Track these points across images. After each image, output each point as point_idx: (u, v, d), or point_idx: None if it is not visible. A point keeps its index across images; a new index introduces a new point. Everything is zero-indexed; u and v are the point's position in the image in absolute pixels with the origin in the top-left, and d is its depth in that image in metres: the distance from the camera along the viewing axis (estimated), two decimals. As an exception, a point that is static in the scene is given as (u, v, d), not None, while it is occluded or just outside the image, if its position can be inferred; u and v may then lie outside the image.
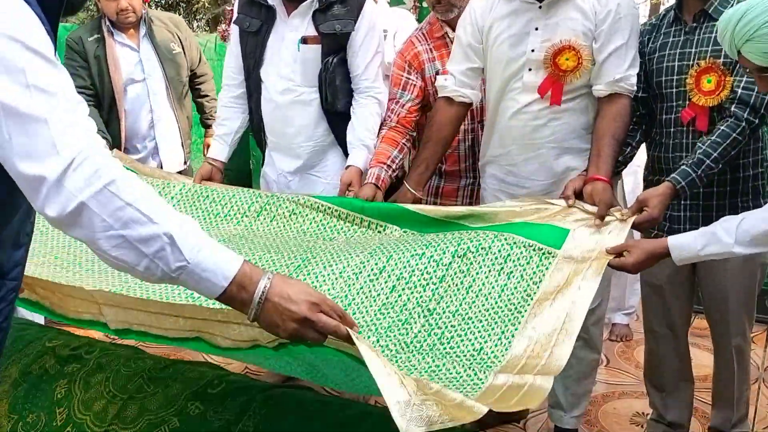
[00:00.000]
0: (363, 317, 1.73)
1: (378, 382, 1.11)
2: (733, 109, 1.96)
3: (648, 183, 2.29)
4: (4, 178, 1.02)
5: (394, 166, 2.43)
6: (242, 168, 4.46)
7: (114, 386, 1.85)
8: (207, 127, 3.58)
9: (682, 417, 2.41)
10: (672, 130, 2.15)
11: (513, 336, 1.68)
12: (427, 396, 1.16)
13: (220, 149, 2.68)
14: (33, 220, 1.21)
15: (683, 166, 1.96)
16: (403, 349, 1.65)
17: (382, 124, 2.55)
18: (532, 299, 1.75)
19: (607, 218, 1.93)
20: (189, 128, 3.54)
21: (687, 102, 2.08)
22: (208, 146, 3.02)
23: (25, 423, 1.87)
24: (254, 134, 2.81)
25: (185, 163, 3.47)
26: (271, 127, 2.66)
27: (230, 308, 1.17)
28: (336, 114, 2.55)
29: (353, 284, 1.81)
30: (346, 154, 2.57)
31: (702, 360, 3.15)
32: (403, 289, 1.79)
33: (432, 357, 1.64)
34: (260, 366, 2.46)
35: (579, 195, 2.04)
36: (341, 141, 2.59)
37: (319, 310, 1.14)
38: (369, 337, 1.64)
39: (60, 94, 1.01)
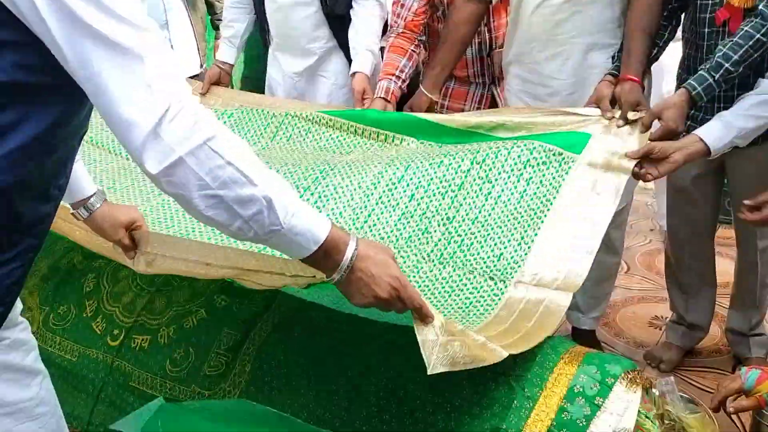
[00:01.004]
0: (383, 228, 1.74)
1: (414, 323, 1.16)
2: (761, 7, 1.85)
3: (681, 82, 2.21)
4: (43, 112, 0.96)
5: (403, 76, 2.37)
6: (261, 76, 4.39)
7: (141, 280, 1.89)
8: (216, 28, 3.52)
9: (703, 319, 2.43)
10: (706, 30, 2.05)
11: (533, 241, 1.68)
12: (453, 336, 1.18)
13: (228, 51, 2.65)
14: (68, 174, 1.10)
15: (700, 71, 1.86)
16: (424, 259, 1.66)
17: (388, 31, 2.48)
18: (552, 204, 1.73)
19: (632, 116, 1.87)
20: (203, 30, 3.48)
21: (723, 1, 1.98)
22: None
23: (56, 314, 1.93)
24: (259, 32, 2.77)
25: (201, 66, 3.43)
26: (275, 28, 2.62)
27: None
28: (336, 18, 2.50)
29: (372, 194, 1.80)
30: (348, 59, 2.53)
31: (723, 267, 3.14)
32: (422, 198, 1.79)
33: (453, 267, 1.65)
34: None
35: (612, 101, 1.95)
36: (343, 46, 2.55)
37: (398, 295, 1.13)
38: (390, 246, 1.66)
39: (151, 30, 0.93)
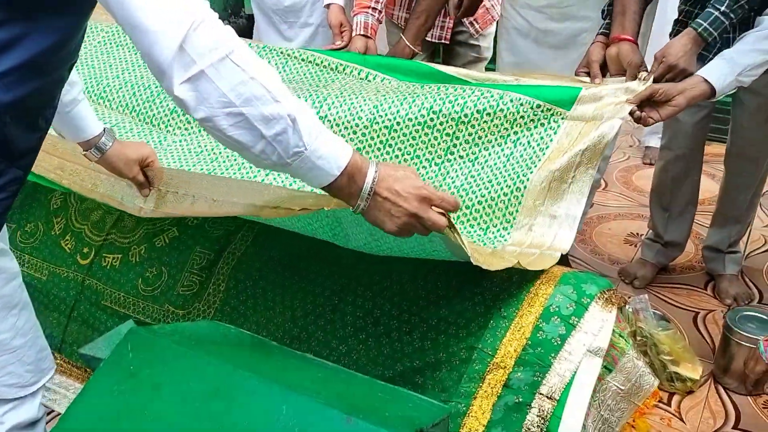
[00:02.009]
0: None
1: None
2: None
3: (681, 14, 2.11)
4: (44, 32, 0.92)
5: (379, 7, 2.24)
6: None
7: (110, 197, 1.82)
8: None
9: (680, 237, 2.44)
10: None
11: (514, 218, 1.69)
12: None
13: None
14: (55, 106, 1.07)
15: (707, 8, 1.75)
16: None
17: None
18: (536, 166, 1.70)
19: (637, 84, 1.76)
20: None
21: None
22: None
23: (23, 232, 1.88)
24: None
25: None
26: None
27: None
28: None
29: (351, 124, 1.76)
30: None
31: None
32: (402, 130, 1.75)
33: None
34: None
35: (602, 66, 1.84)
36: None
37: (430, 204, 1.08)
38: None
39: None
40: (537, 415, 1.37)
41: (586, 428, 1.38)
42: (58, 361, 1.76)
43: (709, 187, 3.22)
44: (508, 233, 1.64)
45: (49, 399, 1.71)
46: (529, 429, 1.36)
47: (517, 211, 1.66)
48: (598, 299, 1.49)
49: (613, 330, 1.47)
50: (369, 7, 2.21)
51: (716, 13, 1.72)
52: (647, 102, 1.69)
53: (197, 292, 1.64)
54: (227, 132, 0.93)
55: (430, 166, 1.73)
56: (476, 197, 1.68)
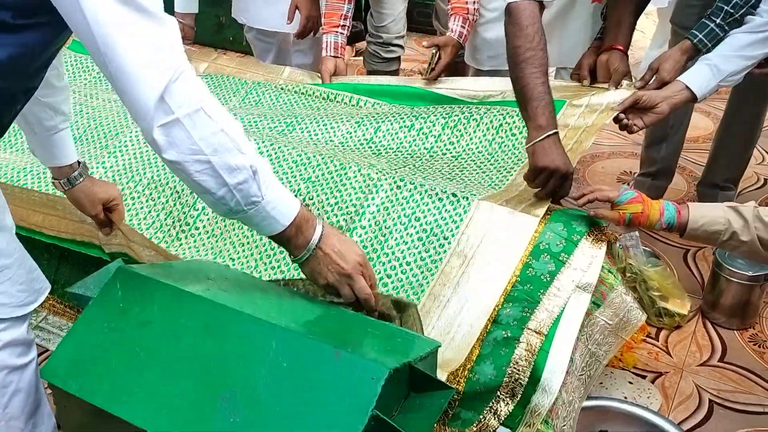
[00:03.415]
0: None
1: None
2: None
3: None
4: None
5: (348, 23, 2.28)
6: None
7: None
8: None
9: (671, 161, 2.44)
10: None
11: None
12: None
13: (187, 1, 2.42)
14: (11, 118, 1.10)
15: (702, 19, 1.80)
16: (399, 188, 1.63)
17: None
18: (522, 162, 1.75)
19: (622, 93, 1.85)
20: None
21: None
22: None
23: (10, 173, 1.86)
24: None
25: None
26: None
27: None
28: None
29: (341, 149, 1.85)
30: None
31: (699, 122, 3.14)
32: (391, 159, 1.82)
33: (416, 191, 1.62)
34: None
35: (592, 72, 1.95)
36: None
37: (361, 272, 1.16)
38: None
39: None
40: (525, 350, 1.39)
41: (573, 362, 1.40)
42: (51, 302, 1.77)
43: (705, 124, 3.20)
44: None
45: (43, 338, 1.72)
46: (517, 363, 1.38)
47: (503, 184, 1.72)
48: (588, 236, 1.50)
49: (603, 266, 1.48)
50: (338, 26, 2.26)
51: (712, 25, 1.79)
52: (631, 109, 1.74)
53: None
54: (193, 176, 0.99)
55: (413, 161, 1.81)
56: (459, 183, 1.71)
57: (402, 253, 1.53)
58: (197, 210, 1.66)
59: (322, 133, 1.90)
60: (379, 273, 1.50)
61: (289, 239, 1.11)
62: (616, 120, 1.76)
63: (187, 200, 1.68)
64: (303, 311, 1.16)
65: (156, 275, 1.16)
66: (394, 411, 1.00)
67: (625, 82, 1.88)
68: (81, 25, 0.91)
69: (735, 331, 1.95)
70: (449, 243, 1.51)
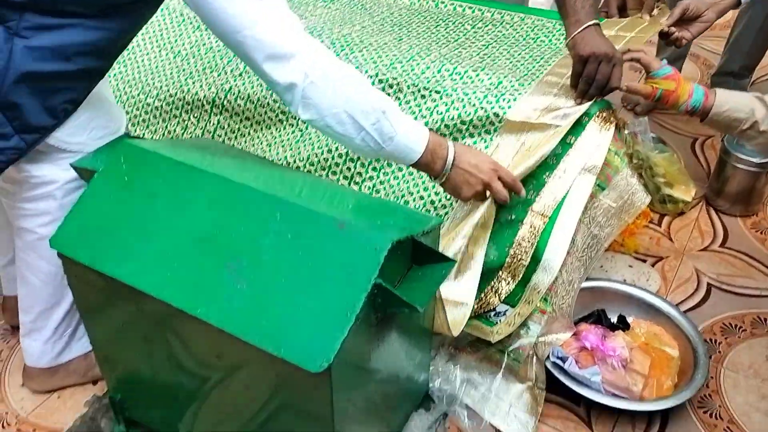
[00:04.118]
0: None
1: None
2: None
3: None
4: (74, 30, 1.03)
5: None
6: None
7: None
8: None
9: (680, 54, 2.38)
10: None
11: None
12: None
13: None
14: (76, 99, 1.13)
15: None
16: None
17: None
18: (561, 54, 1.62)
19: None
20: None
21: None
22: None
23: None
24: None
25: None
26: None
27: None
28: None
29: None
30: None
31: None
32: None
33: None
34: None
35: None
36: None
37: (498, 175, 1.26)
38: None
39: None
40: (528, 231, 1.40)
41: (574, 243, 1.42)
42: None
43: (723, 11, 3.08)
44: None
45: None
46: (519, 244, 1.39)
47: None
48: (597, 118, 1.47)
49: (609, 149, 1.46)
50: None
51: None
52: (678, 21, 1.64)
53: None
54: (334, 128, 1.10)
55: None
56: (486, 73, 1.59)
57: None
58: (213, 125, 1.63)
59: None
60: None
61: (427, 164, 1.20)
62: (664, 35, 1.66)
63: (200, 113, 1.64)
64: (309, 186, 1.17)
65: (159, 150, 1.15)
66: (396, 282, 1.02)
67: (656, 10, 1.77)
68: (213, 14, 1.02)
69: (738, 218, 1.96)
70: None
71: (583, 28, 1.38)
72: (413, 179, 1.49)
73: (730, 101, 1.39)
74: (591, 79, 1.39)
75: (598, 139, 1.45)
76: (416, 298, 0.96)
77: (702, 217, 1.97)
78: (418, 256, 1.05)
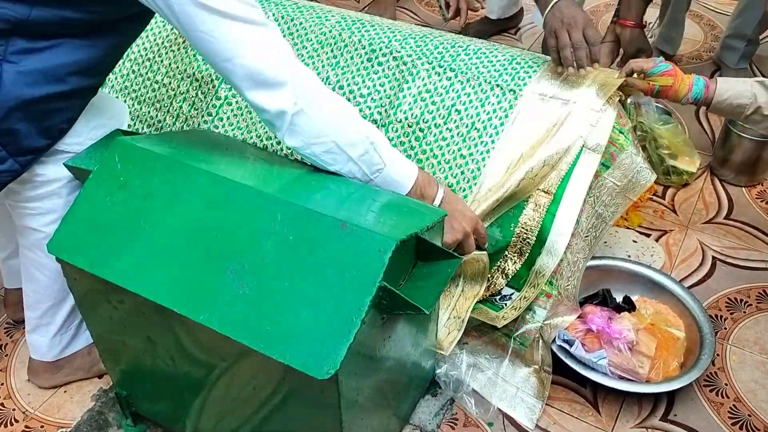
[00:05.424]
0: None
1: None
2: None
3: None
4: (67, 49, 1.03)
5: None
6: None
7: None
8: None
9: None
10: None
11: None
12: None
13: None
14: (72, 117, 1.12)
15: None
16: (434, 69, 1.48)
17: None
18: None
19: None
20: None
21: None
22: None
23: None
24: None
25: None
26: None
27: None
28: None
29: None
30: None
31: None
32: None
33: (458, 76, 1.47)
34: None
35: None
36: None
37: (476, 228, 1.24)
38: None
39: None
40: (533, 209, 1.38)
41: (579, 223, 1.40)
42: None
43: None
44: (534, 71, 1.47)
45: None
46: (525, 222, 1.37)
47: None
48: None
49: (614, 126, 1.43)
50: None
51: None
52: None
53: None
54: (320, 156, 1.09)
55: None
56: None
57: (441, 150, 1.43)
58: (219, 99, 1.57)
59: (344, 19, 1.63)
60: None
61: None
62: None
63: (208, 89, 1.58)
64: (307, 182, 1.14)
65: (154, 147, 1.12)
66: (401, 280, 1.01)
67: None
68: (204, 41, 0.99)
69: (743, 188, 1.93)
70: (494, 145, 1.41)
71: (553, 4, 1.39)
72: None
73: (731, 89, 1.41)
74: (567, 45, 1.37)
75: (599, 116, 1.42)
76: (422, 299, 0.95)
77: (707, 187, 1.94)
78: (423, 252, 1.04)
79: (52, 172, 1.14)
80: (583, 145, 1.39)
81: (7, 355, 1.52)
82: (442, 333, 1.36)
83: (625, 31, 1.82)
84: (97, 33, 1.04)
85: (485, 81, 1.44)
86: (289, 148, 1.10)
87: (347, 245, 0.95)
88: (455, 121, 1.43)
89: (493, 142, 1.40)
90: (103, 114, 1.18)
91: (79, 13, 1.00)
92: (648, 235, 1.78)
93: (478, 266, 1.35)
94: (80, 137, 1.14)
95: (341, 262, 0.94)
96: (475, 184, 1.41)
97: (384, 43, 1.51)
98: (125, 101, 1.61)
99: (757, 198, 1.91)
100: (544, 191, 1.38)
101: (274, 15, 1.60)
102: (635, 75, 1.49)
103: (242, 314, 0.94)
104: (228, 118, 1.53)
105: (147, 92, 1.62)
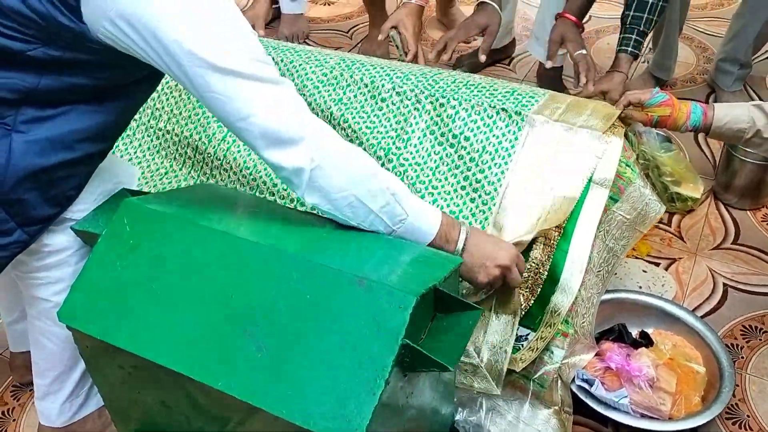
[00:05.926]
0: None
1: None
2: None
3: None
4: (75, 116, 1.02)
5: None
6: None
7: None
8: None
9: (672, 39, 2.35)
10: None
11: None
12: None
13: None
14: (80, 184, 1.11)
15: (626, 28, 1.88)
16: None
17: None
18: None
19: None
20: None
21: None
22: None
23: None
24: None
25: None
26: None
27: None
28: None
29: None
30: None
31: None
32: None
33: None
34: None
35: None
36: None
37: (515, 262, 1.21)
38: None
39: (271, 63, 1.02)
40: (543, 243, 1.36)
41: (591, 260, 1.38)
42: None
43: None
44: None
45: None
46: (536, 258, 1.36)
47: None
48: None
49: (620, 160, 1.43)
50: None
51: (634, 36, 1.86)
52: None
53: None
54: (343, 211, 1.06)
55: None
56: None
57: (456, 179, 1.42)
58: (227, 142, 1.55)
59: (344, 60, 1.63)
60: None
61: (440, 246, 1.15)
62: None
63: (214, 133, 1.57)
64: (321, 236, 1.12)
65: (163, 207, 1.11)
66: (422, 334, 0.99)
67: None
68: (217, 102, 0.97)
69: (747, 212, 1.93)
70: (507, 167, 1.40)
71: None
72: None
73: (729, 114, 1.43)
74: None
75: (605, 147, 1.41)
76: (446, 355, 0.93)
77: (711, 212, 1.94)
78: (441, 303, 1.02)
79: (60, 241, 1.12)
80: (590, 179, 1.39)
81: (14, 420, 1.49)
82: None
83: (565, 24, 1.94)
84: (105, 98, 1.03)
85: (490, 106, 1.45)
86: (311, 206, 1.07)
87: (366, 302, 0.93)
88: (465, 147, 1.43)
89: (506, 163, 1.41)
90: (111, 179, 1.17)
91: (88, 79, 0.99)
92: (657, 264, 1.77)
93: (513, 306, 1.33)
94: (87, 204, 1.12)
95: (361, 320, 0.92)
96: (494, 204, 1.40)
97: (385, 80, 1.52)
98: (128, 150, 1.60)
99: (762, 221, 1.90)
100: (554, 225, 1.37)
101: (273, 59, 1.60)
102: (632, 107, 1.51)
103: (262, 379, 0.92)
104: (235, 159, 1.52)
105: (151, 140, 1.61)
